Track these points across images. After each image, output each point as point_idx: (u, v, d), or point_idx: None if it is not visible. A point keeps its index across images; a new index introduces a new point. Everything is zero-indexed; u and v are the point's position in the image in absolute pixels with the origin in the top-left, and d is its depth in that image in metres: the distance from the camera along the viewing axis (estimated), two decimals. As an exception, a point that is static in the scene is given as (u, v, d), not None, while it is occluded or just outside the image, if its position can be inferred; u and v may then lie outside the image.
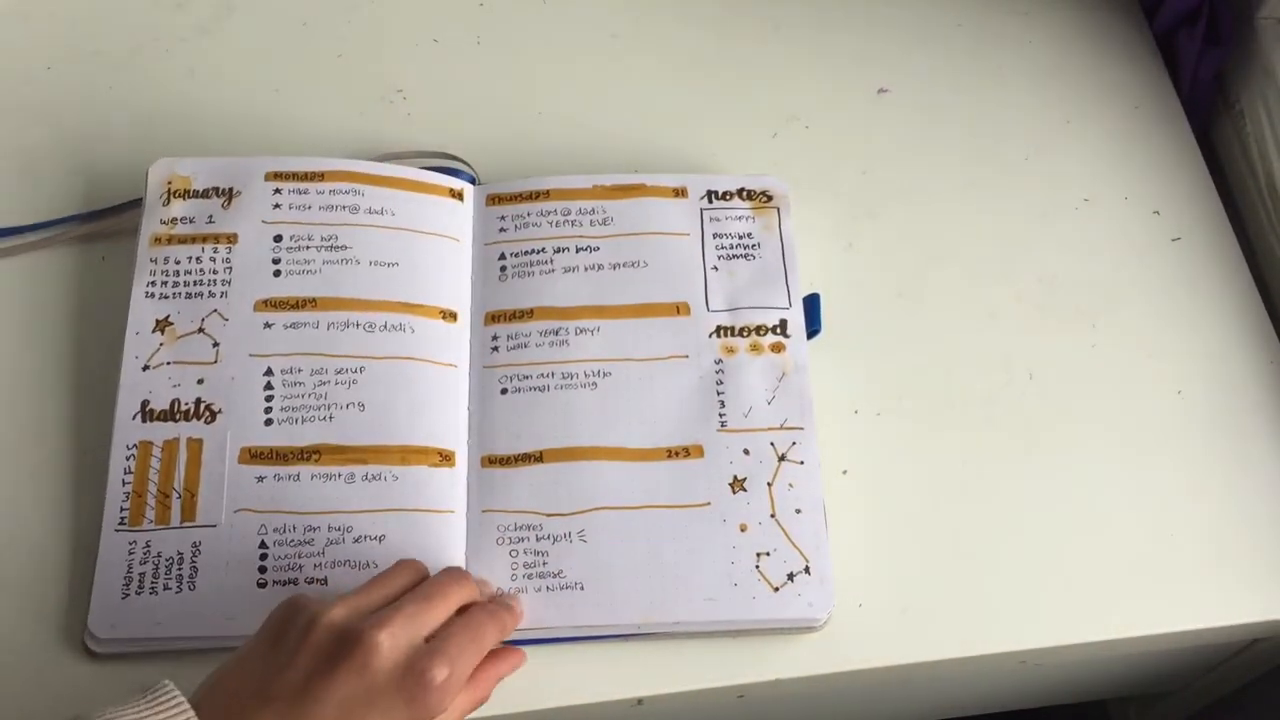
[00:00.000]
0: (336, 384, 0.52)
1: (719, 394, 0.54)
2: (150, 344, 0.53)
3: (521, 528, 0.51)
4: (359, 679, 0.40)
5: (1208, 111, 0.68)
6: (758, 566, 0.50)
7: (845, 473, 0.54)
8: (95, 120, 0.62)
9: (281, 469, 0.51)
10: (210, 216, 0.55)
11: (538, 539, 0.51)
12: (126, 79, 0.63)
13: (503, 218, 0.58)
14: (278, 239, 0.55)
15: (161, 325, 0.53)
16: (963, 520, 0.54)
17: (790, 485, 0.52)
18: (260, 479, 0.50)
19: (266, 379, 0.52)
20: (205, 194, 0.56)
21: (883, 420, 0.56)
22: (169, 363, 0.52)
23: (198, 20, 0.66)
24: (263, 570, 0.49)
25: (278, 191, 0.56)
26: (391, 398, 0.52)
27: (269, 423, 0.51)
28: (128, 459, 0.50)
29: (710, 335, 0.55)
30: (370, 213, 0.56)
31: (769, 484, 0.52)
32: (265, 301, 0.54)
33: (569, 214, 0.58)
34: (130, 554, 0.49)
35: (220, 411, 0.51)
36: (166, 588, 0.48)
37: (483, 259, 0.57)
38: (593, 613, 0.49)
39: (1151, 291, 0.60)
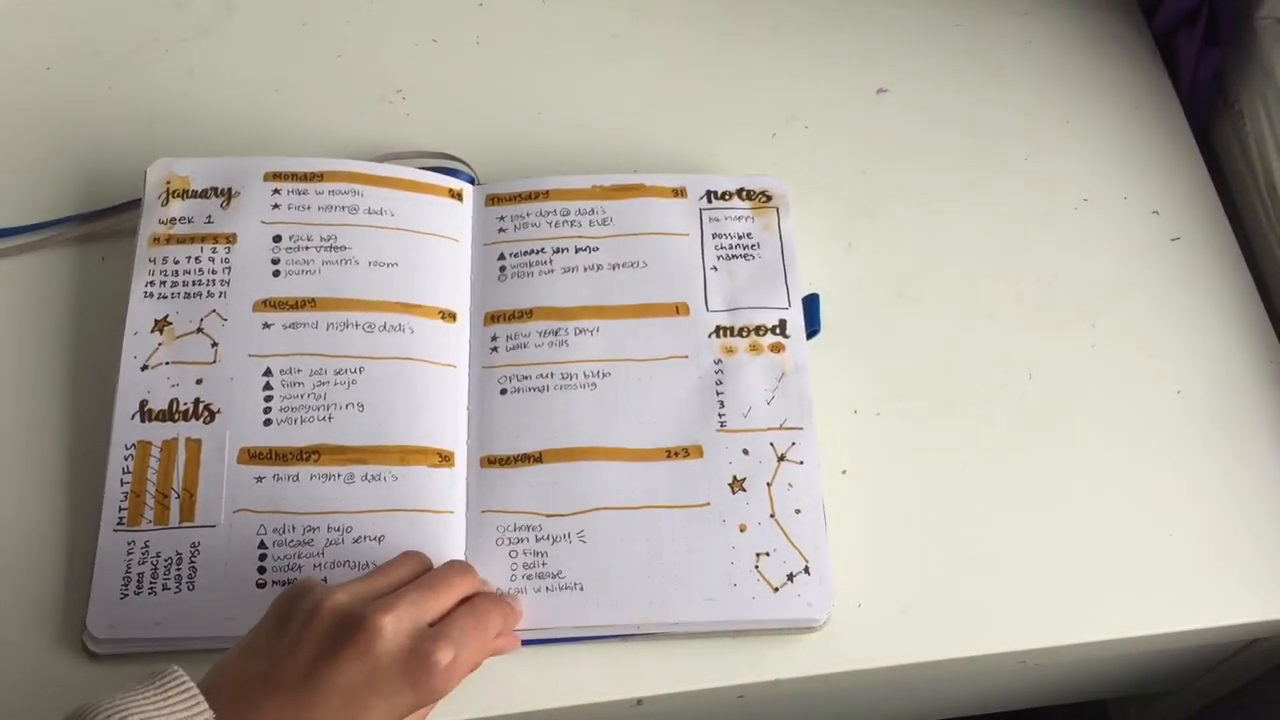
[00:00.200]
0: (336, 384, 0.52)
1: (718, 394, 0.54)
2: (149, 344, 0.53)
3: (521, 528, 0.51)
4: (363, 663, 0.40)
5: (1207, 111, 0.68)
6: (757, 567, 0.50)
7: (845, 473, 0.54)
8: (95, 120, 0.62)
9: (281, 469, 0.51)
10: (209, 217, 0.55)
11: (537, 539, 0.50)
12: (126, 79, 0.63)
13: (502, 218, 0.58)
14: (277, 239, 0.55)
15: (160, 325, 0.53)
16: (962, 520, 0.54)
17: (790, 485, 0.52)
18: (259, 479, 0.50)
19: (265, 379, 0.52)
20: (204, 194, 0.56)
21: (882, 420, 0.56)
22: (168, 363, 0.52)
23: (197, 20, 0.66)
24: (262, 570, 0.49)
25: (277, 192, 0.56)
26: (391, 398, 0.52)
27: (268, 423, 0.51)
28: (126, 459, 0.50)
29: (710, 335, 0.55)
30: (369, 213, 0.56)
31: (768, 484, 0.52)
32: (264, 302, 0.54)
33: (568, 214, 0.58)
34: (129, 554, 0.49)
35: (219, 412, 0.51)
36: (165, 588, 0.48)
37: (482, 259, 0.57)
38: (592, 613, 0.49)
39: (1151, 291, 0.60)
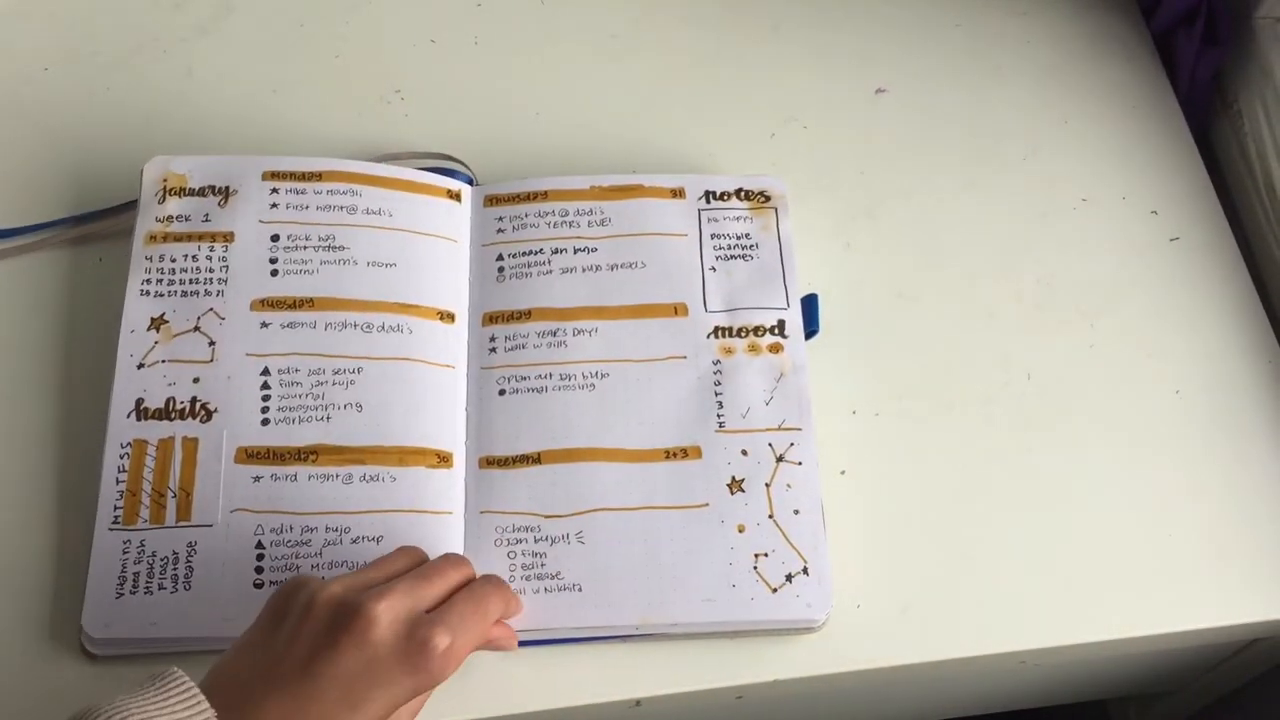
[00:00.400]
0: (334, 384, 0.52)
1: (717, 395, 0.54)
2: (145, 342, 0.52)
3: (520, 529, 0.51)
4: (360, 652, 0.40)
5: (1206, 111, 0.68)
6: (756, 567, 0.50)
7: (843, 473, 0.54)
8: (94, 121, 0.62)
9: (278, 469, 0.50)
10: (206, 215, 0.55)
11: (536, 540, 0.50)
12: (125, 79, 0.63)
13: (500, 218, 0.58)
14: (275, 238, 0.55)
15: (157, 323, 0.53)
16: (961, 520, 0.53)
17: (788, 486, 0.52)
18: (257, 479, 0.50)
19: (263, 379, 0.52)
20: (201, 192, 0.56)
21: (881, 420, 0.56)
22: (164, 361, 0.52)
23: (196, 21, 0.66)
24: (259, 570, 0.49)
25: (275, 191, 0.56)
26: (389, 398, 0.52)
27: (266, 423, 0.51)
28: (122, 458, 0.50)
29: (708, 336, 0.55)
30: (368, 213, 0.56)
31: (767, 485, 0.52)
32: (262, 301, 0.54)
33: (567, 215, 0.58)
34: (124, 553, 0.48)
35: (216, 411, 0.51)
36: (162, 587, 0.48)
37: (480, 260, 0.57)
38: (591, 614, 0.49)
39: (1150, 291, 0.60)
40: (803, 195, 0.61)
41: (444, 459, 0.52)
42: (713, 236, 0.58)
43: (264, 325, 0.53)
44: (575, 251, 0.57)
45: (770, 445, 0.52)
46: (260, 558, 0.49)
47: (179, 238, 0.55)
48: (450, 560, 0.46)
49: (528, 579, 0.50)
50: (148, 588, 0.48)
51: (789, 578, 0.50)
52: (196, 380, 0.52)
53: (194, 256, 0.54)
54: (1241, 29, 0.65)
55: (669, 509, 0.51)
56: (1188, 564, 0.53)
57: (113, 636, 0.47)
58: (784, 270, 0.57)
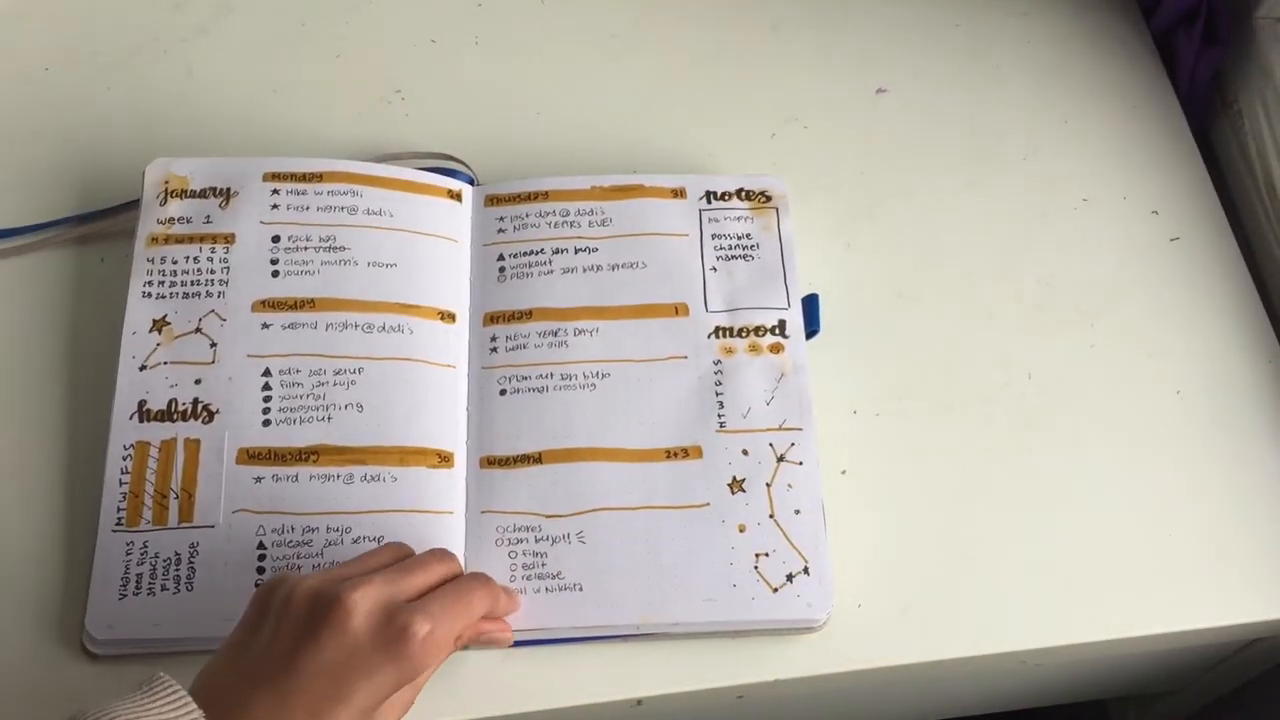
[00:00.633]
0: (335, 385, 0.52)
1: (718, 395, 0.54)
2: (147, 344, 0.53)
3: (520, 529, 0.51)
4: (340, 641, 0.40)
5: (1206, 111, 0.68)
6: (756, 567, 0.50)
7: (844, 473, 0.54)
8: (94, 121, 0.62)
9: (280, 470, 0.50)
10: (208, 217, 0.55)
11: (536, 540, 0.50)
12: (125, 79, 0.63)
13: (501, 218, 0.58)
14: (276, 239, 0.55)
15: (159, 325, 0.53)
16: (962, 520, 0.54)
17: (789, 486, 0.52)
18: (258, 480, 0.50)
19: (265, 379, 0.52)
20: (202, 194, 0.56)
21: (881, 420, 0.56)
22: (166, 363, 0.52)
23: (196, 21, 0.66)
24: (261, 571, 0.49)
25: (276, 192, 0.56)
26: (390, 399, 0.52)
27: (267, 423, 0.51)
28: (124, 459, 0.50)
29: (709, 336, 0.55)
30: (368, 213, 0.56)
31: (768, 484, 0.52)
32: (263, 302, 0.54)
33: (568, 215, 0.58)
34: (128, 555, 0.49)
35: (218, 412, 0.51)
36: (164, 588, 0.48)
37: (481, 260, 0.57)
38: (592, 613, 0.49)
39: (1150, 291, 0.60)
40: (803, 195, 0.61)
41: (445, 459, 0.52)
42: (713, 236, 0.58)
43: (265, 326, 0.53)
44: (576, 251, 0.57)
45: (771, 445, 0.52)
46: (262, 558, 0.49)
47: (180, 239, 0.55)
48: (435, 554, 0.46)
49: (528, 579, 0.50)
50: (150, 589, 0.48)
51: (790, 577, 0.50)
52: (198, 382, 0.52)
53: (195, 258, 0.54)
54: (1241, 29, 0.65)
55: (670, 509, 0.51)
56: (1188, 564, 0.53)
57: (116, 637, 0.47)
58: (785, 270, 0.57)
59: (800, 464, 0.52)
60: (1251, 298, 0.60)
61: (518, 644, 0.49)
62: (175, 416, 0.51)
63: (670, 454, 0.52)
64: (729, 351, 0.55)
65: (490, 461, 0.52)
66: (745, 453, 0.52)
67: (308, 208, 0.56)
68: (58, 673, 0.48)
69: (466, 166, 0.61)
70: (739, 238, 0.58)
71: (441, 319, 0.55)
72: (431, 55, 0.66)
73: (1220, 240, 0.62)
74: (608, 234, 0.57)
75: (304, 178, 0.57)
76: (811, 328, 0.56)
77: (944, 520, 0.53)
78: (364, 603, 0.41)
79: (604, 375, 0.54)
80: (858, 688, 0.54)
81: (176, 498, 0.50)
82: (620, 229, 0.57)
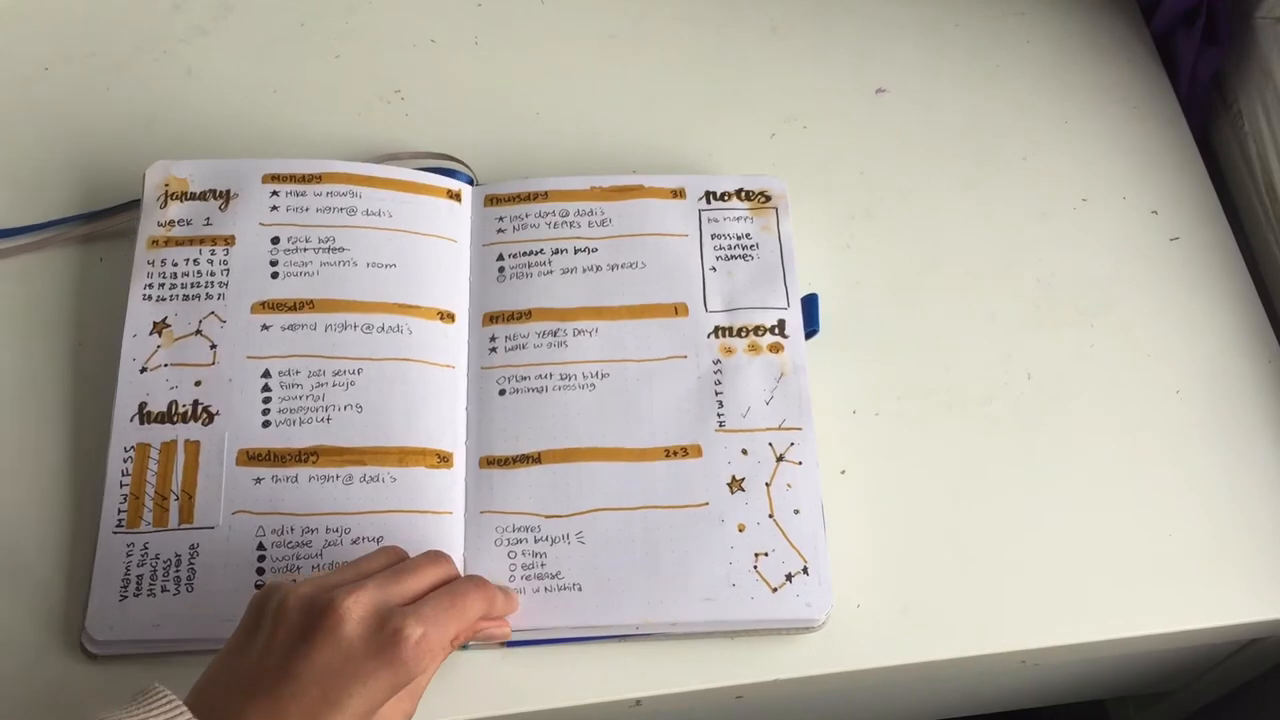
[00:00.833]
0: (334, 386, 0.52)
1: (717, 394, 0.54)
2: (148, 346, 0.53)
3: (520, 529, 0.51)
4: (334, 647, 0.40)
5: (1206, 111, 0.68)
6: (756, 567, 0.50)
7: (843, 473, 0.54)
8: (93, 121, 0.62)
9: (279, 471, 0.50)
10: (208, 219, 0.55)
11: (536, 540, 0.50)
12: (124, 80, 0.63)
13: (501, 219, 0.58)
14: (275, 241, 0.55)
15: (159, 327, 0.53)
16: (961, 520, 0.54)
17: (788, 485, 0.52)
18: (258, 481, 0.50)
19: (264, 381, 0.52)
20: (202, 196, 0.56)
21: (881, 420, 0.56)
22: (166, 365, 0.52)
23: (195, 21, 0.66)
24: (260, 572, 0.49)
25: (275, 194, 0.56)
26: (389, 399, 0.52)
27: (267, 424, 0.51)
28: (125, 461, 0.50)
29: (708, 336, 0.55)
30: (368, 214, 0.56)
31: (767, 484, 0.52)
32: (263, 303, 0.54)
33: (567, 215, 0.58)
34: (128, 556, 0.49)
35: (218, 413, 0.51)
36: (164, 590, 0.48)
37: (481, 260, 0.57)
38: (591, 613, 0.49)
39: (1150, 291, 0.60)
40: (803, 195, 0.61)
41: (444, 459, 0.52)
42: (713, 236, 0.58)
43: (264, 328, 0.53)
44: (576, 252, 0.57)
45: (770, 445, 0.52)
46: (261, 559, 0.49)
47: (180, 242, 0.55)
48: (429, 557, 0.46)
49: (528, 579, 0.50)
50: (150, 590, 0.48)
51: (789, 577, 0.50)
52: (198, 383, 0.52)
53: (195, 260, 0.54)
54: (1241, 29, 0.65)
55: (669, 508, 0.51)
56: (1188, 564, 0.53)
57: (116, 638, 0.47)
58: (784, 270, 0.57)
59: (800, 464, 0.52)
60: (1251, 298, 0.60)
61: (517, 644, 0.49)
62: (175, 418, 0.51)
63: (670, 453, 0.52)
64: (728, 351, 0.55)
65: (489, 462, 0.52)
66: (745, 452, 0.52)
67: (307, 209, 0.56)
68: (58, 674, 0.48)
69: (466, 166, 0.61)
70: (738, 238, 0.58)
71: (441, 319, 0.55)
72: (431, 55, 0.66)
73: (1220, 240, 0.62)
74: (607, 234, 0.57)
75: (303, 179, 0.57)
76: (811, 328, 0.56)
77: (943, 520, 0.53)
78: (357, 608, 0.41)
79: (603, 375, 0.54)
80: (857, 688, 0.54)
81: (177, 499, 0.50)
82: (620, 229, 0.57)
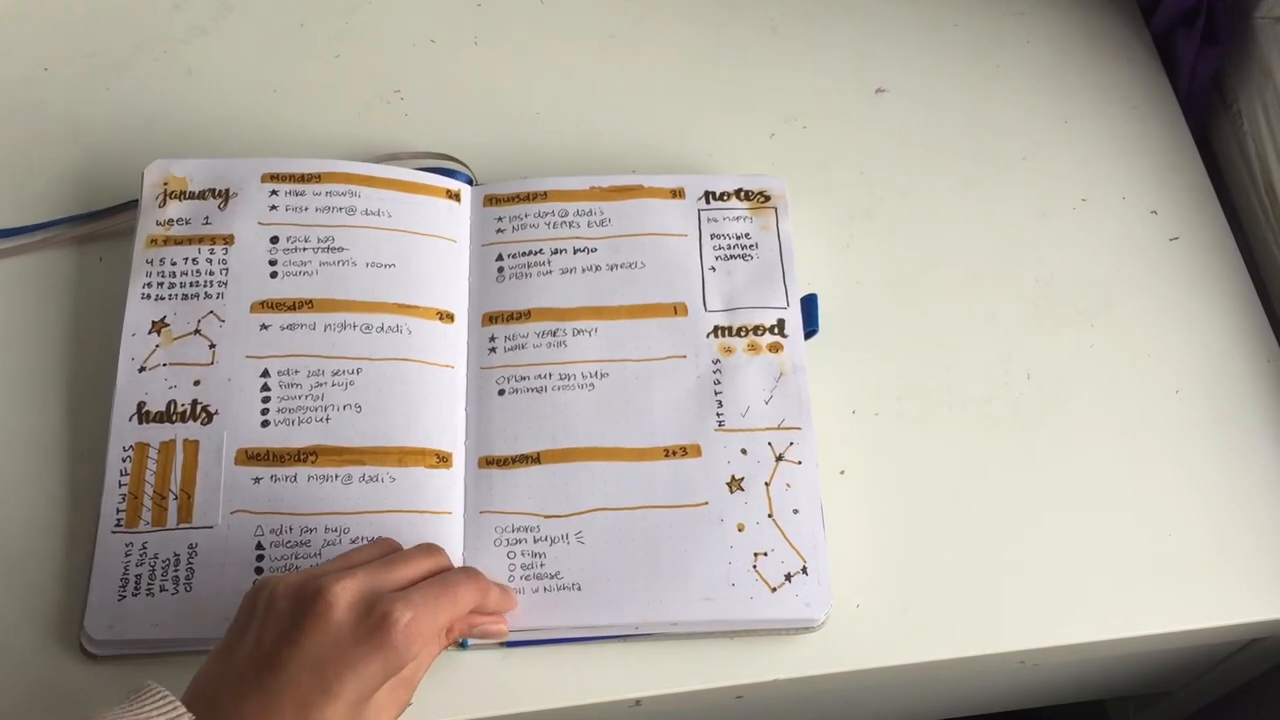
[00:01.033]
0: (333, 385, 0.52)
1: (717, 394, 0.54)
2: (146, 345, 0.53)
3: (519, 529, 0.51)
4: (323, 634, 0.40)
5: (1205, 111, 0.68)
6: (755, 566, 0.50)
7: (843, 473, 0.54)
8: (93, 121, 0.62)
9: (278, 470, 0.50)
10: (206, 218, 0.55)
11: (535, 540, 0.50)
12: (124, 80, 0.63)
13: (500, 219, 0.58)
14: (274, 240, 0.55)
15: (158, 326, 0.53)
16: (961, 520, 0.54)
17: (788, 485, 0.52)
18: (257, 480, 0.50)
19: (263, 380, 0.52)
20: (201, 195, 0.56)
21: (880, 420, 0.56)
22: (165, 364, 0.52)
23: (195, 21, 0.66)
24: (259, 571, 0.49)
25: (274, 193, 0.56)
26: (389, 399, 0.52)
27: (266, 424, 0.51)
28: (124, 460, 0.50)
29: (708, 335, 0.55)
30: (367, 214, 0.56)
31: (766, 484, 0.52)
32: (262, 303, 0.54)
33: (566, 215, 0.58)
34: (127, 555, 0.49)
35: (217, 413, 0.51)
36: (163, 589, 0.48)
37: (480, 260, 0.57)
38: (590, 613, 0.49)
39: (1149, 291, 0.60)
40: (802, 195, 0.61)
41: (443, 459, 0.52)
42: (712, 236, 0.58)
43: (264, 327, 0.53)
44: (575, 252, 0.57)
45: (770, 444, 0.52)
46: (260, 559, 0.49)
47: (179, 241, 0.55)
48: (422, 548, 0.46)
49: (527, 579, 0.50)
50: (149, 590, 0.48)
51: (788, 577, 0.50)
52: (197, 383, 0.52)
53: (194, 260, 0.54)
54: (1241, 29, 0.65)
55: (668, 508, 0.51)
56: (1188, 564, 0.53)
57: (115, 638, 0.47)
58: (784, 270, 0.57)
59: (799, 463, 0.52)
60: (1250, 298, 0.60)
61: (517, 644, 0.49)
62: (174, 418, 0.51)
63: (669, 453, 0.52)
64: (728, 351, 0.55)
65: (489, 462, 0.52)
66: (744, 452, 0.52)
67: (306, 208, 0.56)
68: (57, 673, 0.48)
69: (465, 166, 0.61)
70: (738, 237, 0.58)
71: (440, 319, 0.55)
72: (431, 55, 0.66)
73: (1219, 240, 0.62)
74: (606, 234, 0.57)
75: (302, 178, 0.57)
76: (810, 328, 0.56)
77: (943, 520, 0.53)
78: (344, 594, 0.41)
79: (603, 375, 0.54)
80: (857, 688, 0.54)
81: (175, 499, 0.50)
82: (619, 229, 0.57)
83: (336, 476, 0.50)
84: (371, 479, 0.51)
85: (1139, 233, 0.62)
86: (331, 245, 0.55)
